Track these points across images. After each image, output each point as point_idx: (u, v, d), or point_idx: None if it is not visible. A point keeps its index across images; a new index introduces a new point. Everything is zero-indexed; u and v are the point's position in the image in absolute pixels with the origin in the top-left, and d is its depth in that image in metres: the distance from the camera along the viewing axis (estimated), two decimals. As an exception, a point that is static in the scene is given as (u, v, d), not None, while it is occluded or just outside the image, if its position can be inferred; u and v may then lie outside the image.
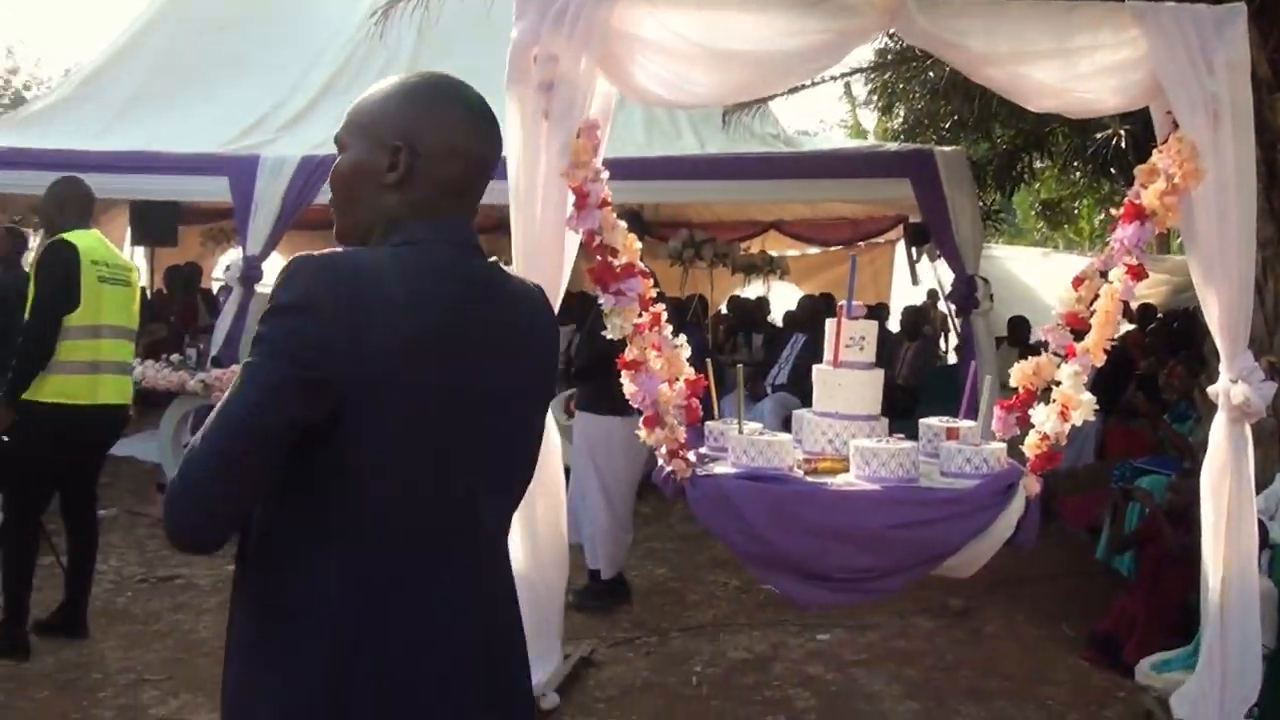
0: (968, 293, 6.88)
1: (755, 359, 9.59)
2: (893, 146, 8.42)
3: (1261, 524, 4.13)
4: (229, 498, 1.46)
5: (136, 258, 10.85)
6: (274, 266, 10.76)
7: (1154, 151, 3.78)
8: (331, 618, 1.48)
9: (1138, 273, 3.71)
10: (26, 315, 4.54)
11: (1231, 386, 3.72)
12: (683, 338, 4.02)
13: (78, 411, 4.53)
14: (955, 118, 8.71)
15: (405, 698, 1.51)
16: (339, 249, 1.55)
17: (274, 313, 1.46)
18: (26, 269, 5.76)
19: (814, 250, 13.60)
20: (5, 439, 4.55)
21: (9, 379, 4.53)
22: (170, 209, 10.25)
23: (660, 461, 3.90)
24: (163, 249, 11.84)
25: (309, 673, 1.48)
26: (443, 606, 1.55)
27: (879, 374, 4.11)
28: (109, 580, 5.48)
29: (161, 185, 8.37)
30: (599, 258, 3.78)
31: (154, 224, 10.30)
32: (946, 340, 11.15)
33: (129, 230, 10.60)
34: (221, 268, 11.19)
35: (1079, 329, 3.89)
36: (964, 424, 4.04)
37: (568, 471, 4.51)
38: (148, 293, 10.86)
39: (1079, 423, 3.78)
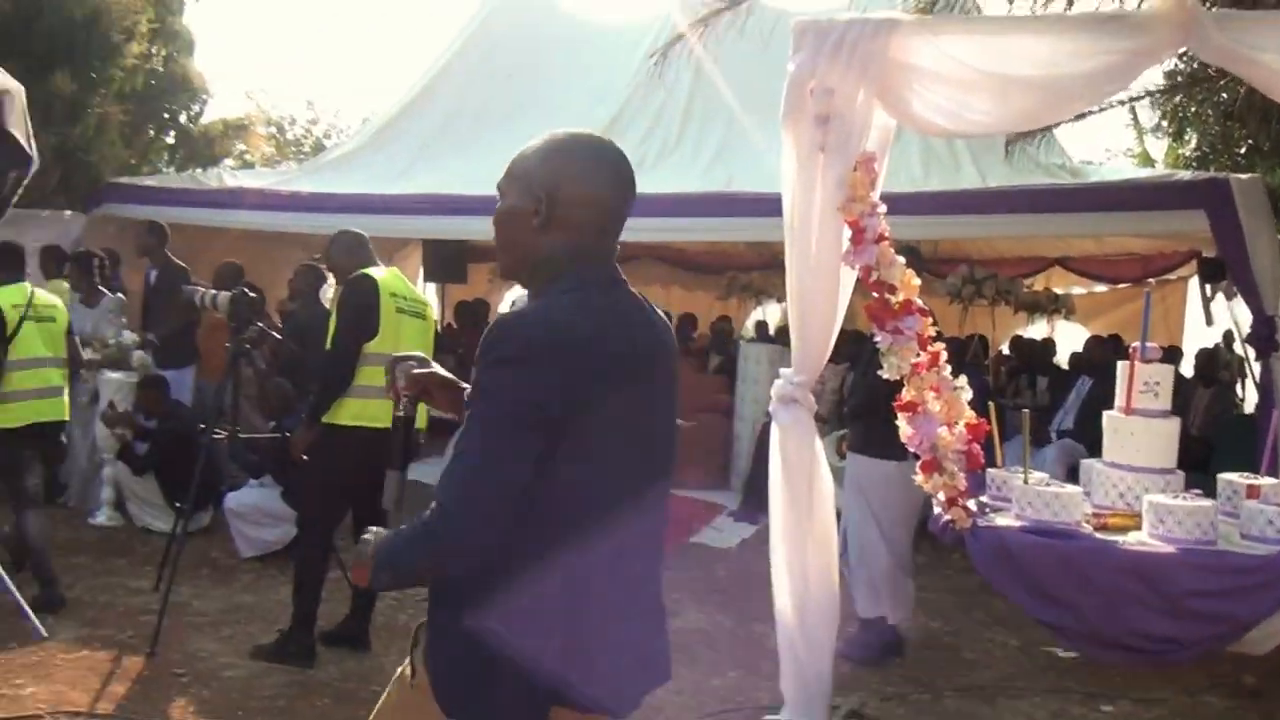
0: (1267, 334, 6.24)
1: (1039, 403, 9.10)
2: (1184, 175, 7.80)
3: None
4: (497, 524, 1.73)
5: (428, 293, 11.52)
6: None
7: None
8: (550, 586, 1.79)
9: None
10: (328, 344, 4.85)
11: None
12: (963, 379, 3.83)
13: (374, 434, 4.74)
14: (1251, 142, 7.99)
15: (605, 645, 1.85)
16: (528, 306, 1.87)
17: (497, 365, 1.75)
18: (326, 304, 6.21)
19: (1101, 288, 12.85)
20: (305, 459, 4.87)
21: (311, 402, 4.85)
22: (460, 247, 10.80)
23: (937, 509, 3.71)
24: (453, 285, 12.50)
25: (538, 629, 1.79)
26: (630, 573, 1.90)
27: (1175, 423, 3.80)
28: (392, 597, 5.72)
29: (452, 225, 8.79)
30: (875, 294, 3.65)
31: (445, 262, 10.89)
32: (1243, 386, 10.27)
33: (421, 267, 11.25)
34: (507, 302, 11.69)
35: None
36: (1266, 481, 3.71)
37: (839, 515, 4.37)
38: (438, 326, 11.48)
39: None
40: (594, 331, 1.80)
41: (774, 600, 4.05)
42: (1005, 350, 11.77)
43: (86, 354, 7.03)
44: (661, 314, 2.04)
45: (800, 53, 3.65)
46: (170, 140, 12.28)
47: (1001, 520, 3.67)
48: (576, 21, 10.85)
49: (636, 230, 8.17)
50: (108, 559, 6.36)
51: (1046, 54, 3.60)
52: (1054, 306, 10.83)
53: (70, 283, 7.68)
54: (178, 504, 6.10)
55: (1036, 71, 3.61)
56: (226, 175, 10.61)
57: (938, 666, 5.30)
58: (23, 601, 5.12)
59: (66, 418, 5.80)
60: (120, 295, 7.72)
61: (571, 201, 1.87)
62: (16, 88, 5.56)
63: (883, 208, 3.67)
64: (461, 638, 1.82)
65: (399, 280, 5.07)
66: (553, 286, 1.86)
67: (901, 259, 3.73)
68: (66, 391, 5.77)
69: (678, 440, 2.04)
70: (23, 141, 5.51)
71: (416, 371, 2.16)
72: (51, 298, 5.92)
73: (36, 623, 5.05)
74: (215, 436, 5.48)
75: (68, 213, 9.96)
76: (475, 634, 1.80)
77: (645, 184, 8.42)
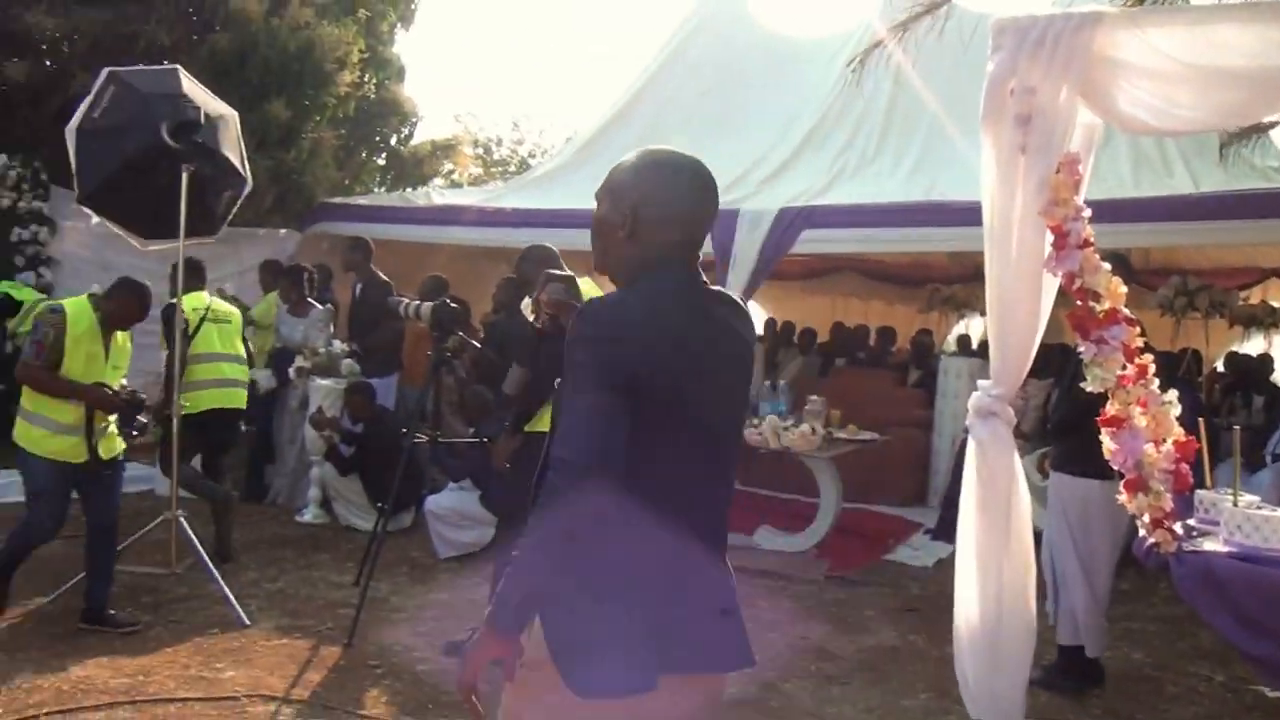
0: None
1: (1254, 423, 8.54)
2: None
3: None
4: (610, 462, 1.97)
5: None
6: (758, 315, 11.24)
7: None
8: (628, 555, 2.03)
9: None
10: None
11: None
12: (1173, 394, 3.62)
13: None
14: None
15: (686, 613, 2.07)
16: (612, 293, 2.15)
17: (587, 342, 2.02)
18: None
19: (1324, 301, 11.96)
20: (508, 466, 4.99)
21: (515, 412, 4.97)
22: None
23: (1142, 531, 3.52)
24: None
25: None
26: (697, 545, 2.13)
27: (1400, 448, 3.48)
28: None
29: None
30: (1079, 303, 3.49)
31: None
32: None
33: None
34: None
35: None
36: None
37: (1038, 535, 4.18)
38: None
39: None
40: (658, 318, 2.07)
41: (959, 621, 3.92)
42: (1219, 367, 11.07)
43: (298, 362, 7.44)
44: (745, 313, 2.32)
45: (1000, 51, 3.53)
46: (381, 162, 12.83)
47: (1209, 545, 3.45)
48: (776, 35, 10.83)
49: (836, 241, 8.11)
50: (311, 554, 6.70)
51: (1257, 45, 3.35)
52: (1271, 320, 10.15)
53: (280, 294, 8.17)
54: (380, 504, 6.38)
55: (1246, 63, 3.37)
56: (435, 194, 11.06)
57: (1138, 700, 5.00)
58: (227, 590, 5.43)
59: (243, 406, 6.86)
60: (329, 306, 8.13)
61: (653, 217, 2.14)
62: (230, 114, 5.96)
63: (1087, 211, 3.51)
64: (573, 608, 2.02)
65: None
66: (635, 283, 2.15)
67: (1107, 265, 3.56)
68: (243, 384, 6.84)
69: (743, 416, 2.34)
70: (237, 164, 5.89)
71: (559, 297, 2.72)
72: (226, 304, 6.97)
73: (240, 611, 5.36)
74: (417, 441, 5.68)
75: (283, 231, 10.58)
76: (585, 604, 2.02)
77: (844, 194, 8.40)
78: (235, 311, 6.98)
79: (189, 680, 4.56)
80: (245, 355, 6.93)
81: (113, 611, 5.16)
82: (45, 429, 4.97)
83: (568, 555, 1.98)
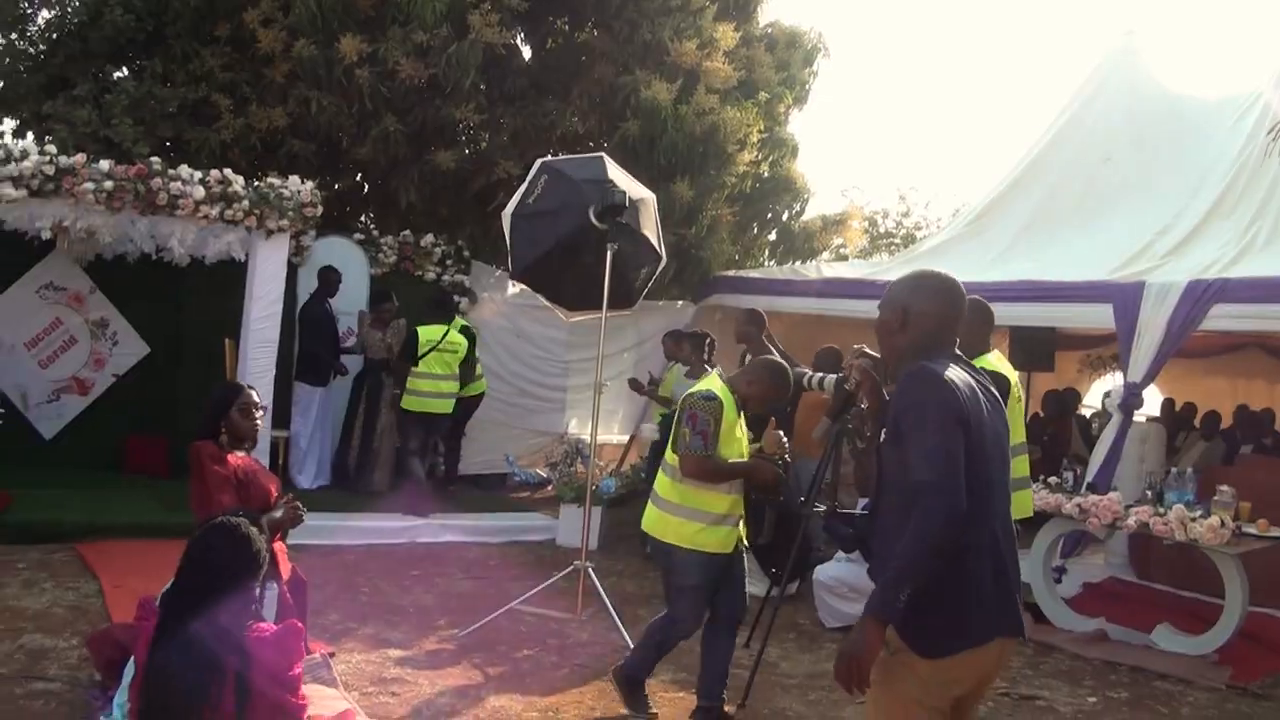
0: None
1: None
2: None
3: None
4: (961, 489, 2.70)
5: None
6: (1153, 395, 10.54)
7: None
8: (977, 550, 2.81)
9: None
10: None
11: None
12: None
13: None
14: None
15: (1005, 585, 2.89)
16: (922, 364, 2.86)
17: (924, 392, 2.78)
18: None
19: None
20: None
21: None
22: (1048, 335, 10.50)
23: None
24: (1040, 373, 12.15)
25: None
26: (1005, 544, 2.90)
27: None
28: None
29: (1043, 313, 8.58)
30: None
31: (1033, 349, 10.61)
32: None
33: (1008, 354, 11.05)
34: (1101, 394, 11.13)
35: None
36: None
37: None
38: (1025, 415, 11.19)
39: None
40: (954, 378, 2.84)
41: None
42: None
43: None
44: (991, 382, 3.06)
45: None
46: (772, 237, 13.21)
47: None
48: (1180, 97, 10.25)
49: (1254, 317, 7.39)
50: (708, 614, 6.88)
51: None
52: None
53: (680, 358, 8.60)
54: (773, 570, 6.50)
55: None
56: (824, 267, 11.28)
57: None
58: (629, 640, 5.74)
59: (449, 412, 9.18)
60: (719, 370, 8.42)
61: (918, 316, 2.97)
62: (649, 196, 6.42)
63: None
64: (929, 593, 2.69)
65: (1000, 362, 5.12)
66: (908, 360, 2.93)
67: None
68: (450, 396, 9.13)
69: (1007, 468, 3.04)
70: (654, 242, 6.33)
71: (868, 367, 3.61)
72: (458, 337, 9.11)
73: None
74: (816, 510, 5.77)
75: (679, 303, 11.15)
76: (945, 589, 2.74)
77: (1258, 266, 7.66)
78: (462, 342, 9.14)
79: (593, 721, 4.86)
80: (463, 376, 9.22)
81: (646, 694, 5.08)
82: (699, 522, 4.80)
83: (939, 555, 2.66)
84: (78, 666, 5.02)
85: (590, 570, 6.26)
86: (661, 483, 4.96)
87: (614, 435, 11.43)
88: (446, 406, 9.14)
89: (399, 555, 7.94)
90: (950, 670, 2.80)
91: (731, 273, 11.16)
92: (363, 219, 12.46)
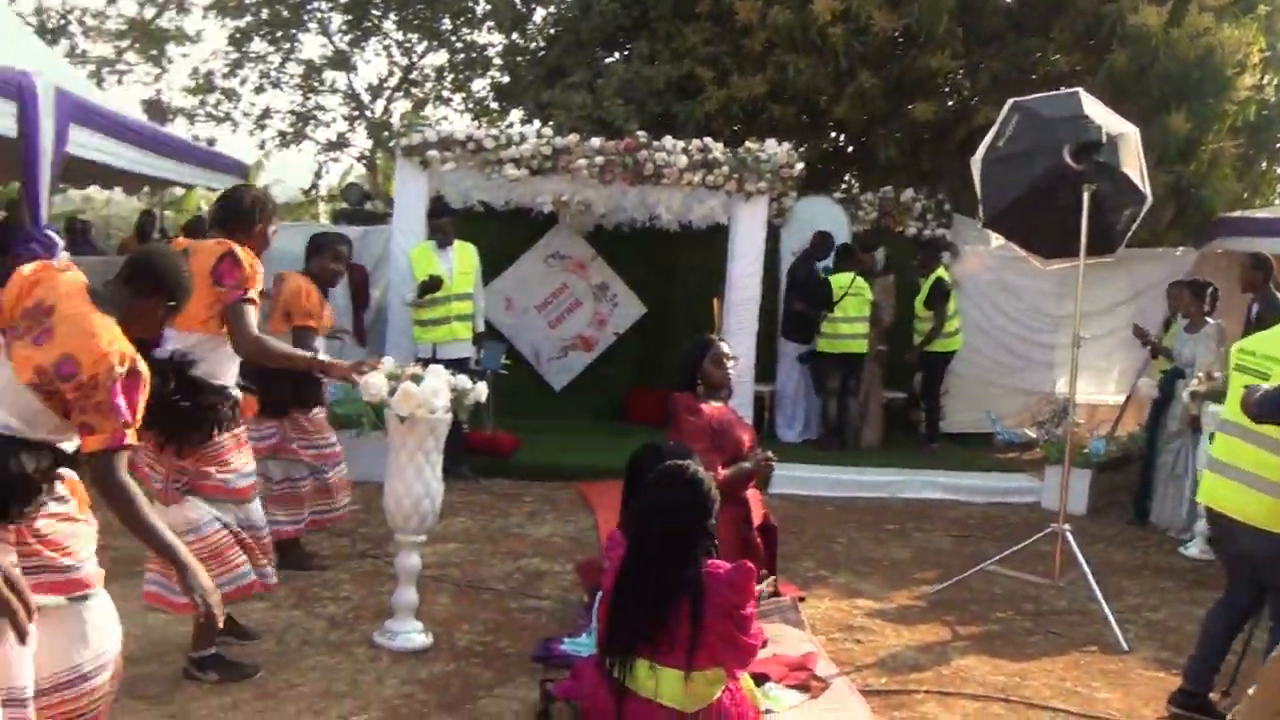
0: None
1: None
2: None
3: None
4: None
5: None
6: None
7: None
8: None
9: None
10: None
11: None
12: None
13: None
14: None
15: None
16: None
17: None
18: None
19: None
20: None
21: None
22: None
23: None
24: None
25: None
26: None
27: None
28: None
29: None
30: None
31: None
32: None
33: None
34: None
35: None
36: None
37: None
38: None
39: None
40: None
41: None
42: None
43: (1190, 385, 6.96)
44: None
45: None
46: (1281, 170, 11.72)
47: None
48: None
49: None
50: (1195, 589, 6.33)
51: None
52: None
53: (1181, 309, 7.86)
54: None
55: None
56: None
57: None
58: (1109, 612, 5.39)
59: (865, 352, 9.55)
60: (1219, 323, 7.59)
61: None
62: (1131, 130, 5.90)
63: None
64: None
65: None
66: None
67: None
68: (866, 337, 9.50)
69: None
70: (1136, 181, 5.82)
71: None
72: (863, 282, 9.45)
73: (1120, 634, 5.30)
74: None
75: (1179, 250, 10.17)
76: None
77: None
78: (867, 286, 9.50)
79: (1063, 692, 4.64)
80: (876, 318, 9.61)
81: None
82: None
83: None
84: (569, 589, 5.59)
85: (1069, 535, 5.95)
86: (1242, 452, 4.23)
87: (1109, 395, 10.68)
88: (861, 347, 9.47)
89: (877, 510, 8.00)
90: None
91: (1237, 213, 9.93)
92: (847, 178, 12.58)
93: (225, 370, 4.15)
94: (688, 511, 3.47)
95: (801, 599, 5.50)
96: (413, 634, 4.65)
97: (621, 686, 3.42)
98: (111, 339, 2.83)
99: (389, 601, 4.79)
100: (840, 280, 9.46)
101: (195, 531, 3.99)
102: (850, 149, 12.53)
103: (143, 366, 2.89)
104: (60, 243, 6.30)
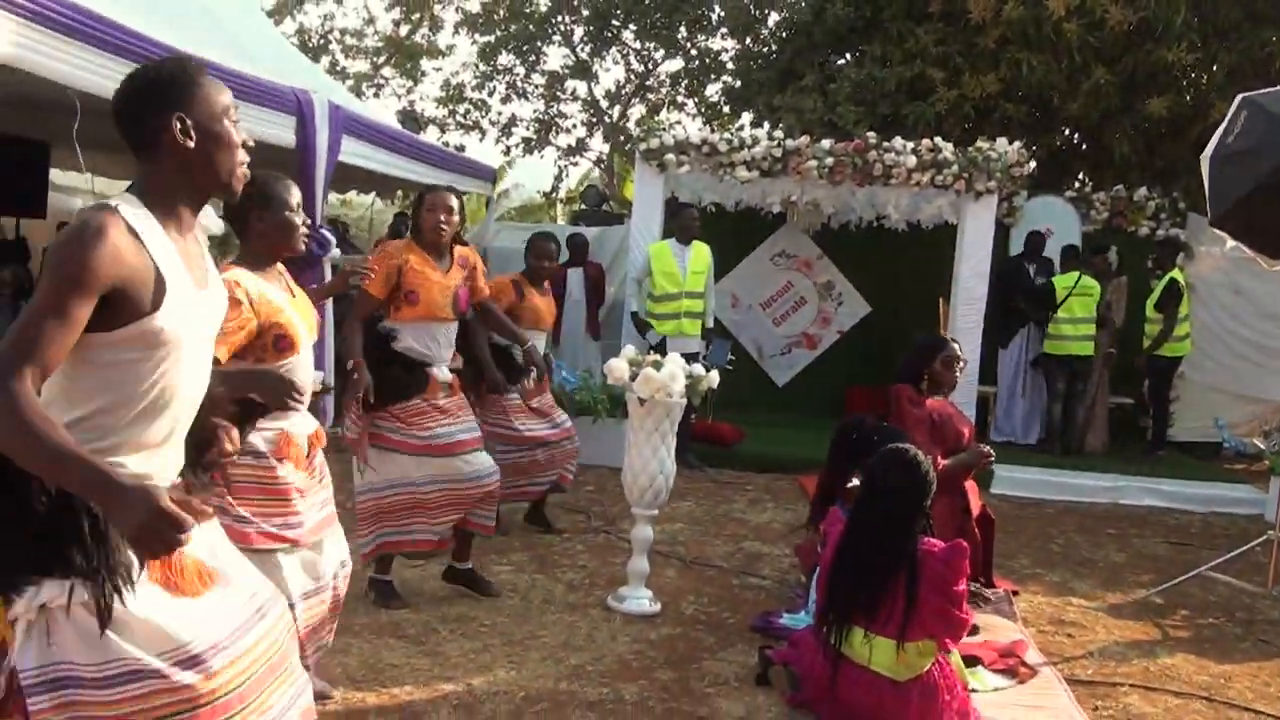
0: None
1: None
2: None
3: None
4: None
5: None
6: None
7: None
8: None
9: None
10: None
11: None
12: None
13: None
14: None
15: None
16: None
17: None
18: None
19: None
20: None
21: None
22: None
23: None
24: None
25: None
26: None
27: None
28: None
29: None
30: None
31: None
32: None
33: None
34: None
35: None
36: None
37: None
38: None
39: None
40: None
41: None
42: None
43: None
44: None
45: None
46: None
47: None
48: None
49: None
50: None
51: None
52: None
53: None
54: None
55: None
56: None
57: None
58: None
59: (1091, 354, 9.37)
60: None
61: None
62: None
63: None
64: None
65: None
66: None
67: None
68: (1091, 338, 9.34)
69: None
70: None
71: None
72: (1090, 282, 9.28)
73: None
74: None
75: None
76: None
77: None
78: (1096, 286, 9.30)
79: (1266, 697, 4.60)
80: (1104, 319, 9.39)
81: None
82: None
83: None
84: (787, 570, 5.90)
85: (1281, 543, 5.79)
86: None
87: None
88: (1087, 349, 9.30)
89: (1098, 513, 7.92)
90: None
91: None
92: (1081, 176, 12.32)
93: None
94: (908, 491, 3.72)
95: (1015, 593, 5.61)
96: (644, 600, 5.06)
97: (837, 653, 3.70)
98: None
99: (621, 570, 5.23)
100: (1064, 280, 9.36)
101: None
102: (1083, 146, 12.25)
103: None
104: (333, 240, 7.10)
